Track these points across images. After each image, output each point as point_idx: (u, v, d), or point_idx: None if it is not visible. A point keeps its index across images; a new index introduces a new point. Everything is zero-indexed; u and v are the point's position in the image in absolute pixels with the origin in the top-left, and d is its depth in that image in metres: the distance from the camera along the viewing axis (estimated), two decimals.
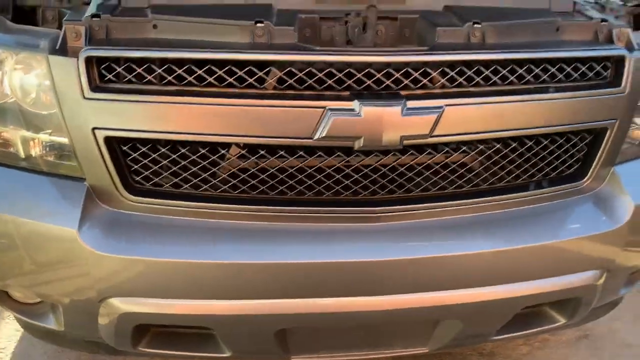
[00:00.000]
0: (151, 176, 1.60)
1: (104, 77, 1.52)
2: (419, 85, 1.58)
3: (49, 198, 1.63)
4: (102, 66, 1.51)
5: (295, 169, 1.61)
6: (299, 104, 1.53)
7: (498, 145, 1.70)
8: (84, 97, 1.50)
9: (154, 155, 1.58)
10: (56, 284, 1.67)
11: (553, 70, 1.67)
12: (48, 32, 1.61)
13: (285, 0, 1.71)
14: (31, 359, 2.41)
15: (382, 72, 1.55)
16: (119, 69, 1.51)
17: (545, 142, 1.74)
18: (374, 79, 1.55)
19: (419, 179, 1.67)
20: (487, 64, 1.61)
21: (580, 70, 1.71)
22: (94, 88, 1.50)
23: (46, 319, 1.80)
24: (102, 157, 1.55)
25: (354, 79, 1.54)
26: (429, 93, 1.58)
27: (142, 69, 1.51)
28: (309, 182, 1.62)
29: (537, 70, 1.65)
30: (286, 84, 1.54)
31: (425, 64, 1.56)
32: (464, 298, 1.70)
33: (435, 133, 1.57)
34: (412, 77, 1.56)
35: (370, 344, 1.89)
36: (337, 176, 1.63)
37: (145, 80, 1.52)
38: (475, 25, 1.64)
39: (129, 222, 1.60)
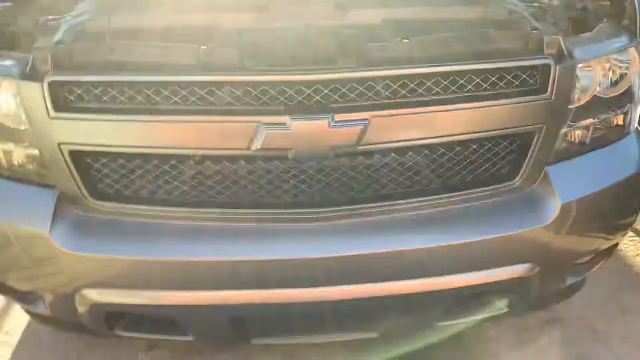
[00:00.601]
0: (112, 183, 1.80)
1: (67, 98, 1.72)
2: (347, 99, 1.72)
3: (26, 203, 1.85)
4: (65, 89, 1.71)
5: (240, 175, 1.79)
6: (237, 119, 1.70)
7: (427, 151, 1.84)
8: (50, 117, 1.70)
9: (114, 166, 1.78)
10: (36, 278, 1.91)
11: (478, 80, 1.78)
12: (20, 58, 1.80)
13: (232, 21, 1.87)
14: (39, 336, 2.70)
15: (313, 89, 1.70)
16: (79, 91, 1.71)
17: (475, 147, 1.86)
18: (305, 95, 1.71)
19: (354, 184, 1.83)
20: (413, 77, 1.75)
21: (507, 79, 1.81)
22: (58, 108, 1.70)
23: (37, 305, 2.04)
24: (69, 167, 1.76)
25: (287, 95, 1.70)
26: (356, 106, 1.72)
27: (98, 90, 1.70)
28: (253, 188, 1.80)
29: (461, 81, 1.77)
30: (227, 101, 1.71)
31: (352, 80, 1.71)
32: (399, 289, 1.87)
33: (364, 143, 1.73)
34: (340, 92, 1.71)
35: (324, 329, 2.08)
36: (280, 184, 1.80)
37: (102, 101, 1.71)
38: (404, 41, 1.77)
39: (95, 224, 1.82)
